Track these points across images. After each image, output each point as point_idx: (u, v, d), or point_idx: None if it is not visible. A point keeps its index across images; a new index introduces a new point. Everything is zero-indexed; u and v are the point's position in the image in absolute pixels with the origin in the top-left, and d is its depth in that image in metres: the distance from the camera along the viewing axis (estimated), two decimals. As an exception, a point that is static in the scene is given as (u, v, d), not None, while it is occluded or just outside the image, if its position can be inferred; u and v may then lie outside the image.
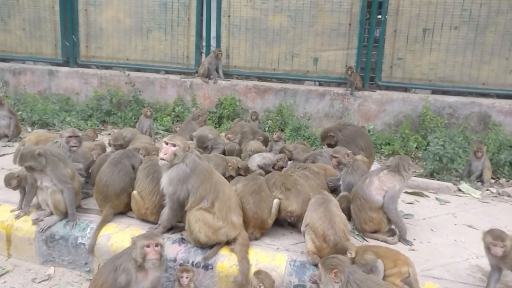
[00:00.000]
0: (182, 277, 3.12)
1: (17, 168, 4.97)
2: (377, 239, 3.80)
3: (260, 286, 3.02)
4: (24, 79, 8.65)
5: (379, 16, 7.40)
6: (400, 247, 3.69)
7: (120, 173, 3.87)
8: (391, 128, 7.06)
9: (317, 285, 2.82)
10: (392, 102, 7.14)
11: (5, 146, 5.99)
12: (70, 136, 4.23)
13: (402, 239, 3.79)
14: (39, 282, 3.54)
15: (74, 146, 4.24)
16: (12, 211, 3.91)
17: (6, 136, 6.24)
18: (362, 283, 2.61)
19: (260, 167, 4.76)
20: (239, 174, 4.50)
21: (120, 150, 4.15)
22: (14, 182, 3.88)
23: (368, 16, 7.44)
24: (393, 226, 3.88)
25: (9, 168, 5.02)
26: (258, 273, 3.14)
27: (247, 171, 4.56)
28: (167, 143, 3.39)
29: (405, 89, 7.72)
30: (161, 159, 3.36)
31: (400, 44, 7.30)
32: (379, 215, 3.80)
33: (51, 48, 8.82)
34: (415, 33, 7.21)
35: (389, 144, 6.66)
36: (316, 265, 3.28)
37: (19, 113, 7.21)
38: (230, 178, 4.42)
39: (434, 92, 7.40)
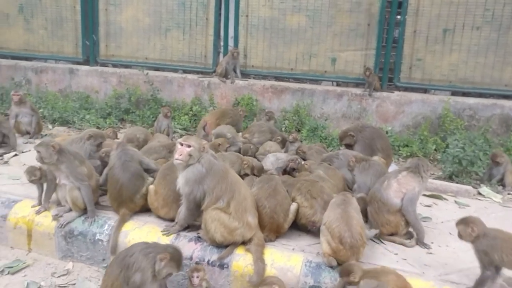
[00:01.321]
0: (193, 277, 3.13)
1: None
2: (394, 241, 3.76)
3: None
4: (45, 78, 8.82)
5: (398, 17, 7.31)
6: (417, 250, 3.65)
7: (132, 176, 3.90)
8: (410, 130, 6.97)
9: None
10: (410, 103, 7.04)
11: (27, 142, 6.12)
12: (91, 138, 4.41)
13: (420, 242, 3.74)
14: (58, 277, 3.61)
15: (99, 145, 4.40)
16: (32, 206, 3.99)
17: (28, 133, 6.38)
18: None
19: (274, 169, 4.70)
20: (254, 174, 4.51)
21: (125, 152, 4.08)
22: (38, 173, 3.94)
23: (387, 16, 7.35)
24: (410, 229, 3.83)
25: (31, 164, 5.13)
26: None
27: (261, 171, 4.56)
28: (182, 144, 3.42)
29: (424, 91, 7.60)
30: (176, 159, 3.39)
31: (420, 44, 7.20)
32: (397, 218, 3.76)
33: (72, 47, 8.97)
34: (435, 34, 7.09)
35: (407, 146, 6.57)
36: (331, 267, 3.27)
37: (40, 110, 7.36)
38: (245, 175, 4.43)
39: (454, 93, 7.27)
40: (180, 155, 3.37)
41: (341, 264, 3.24)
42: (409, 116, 7.04)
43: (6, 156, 5.43)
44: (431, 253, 3.61)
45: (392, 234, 3.82)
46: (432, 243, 3.78)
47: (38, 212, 3.92)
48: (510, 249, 2.97)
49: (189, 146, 3.39)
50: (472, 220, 3.13)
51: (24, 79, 8.85)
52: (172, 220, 3.81)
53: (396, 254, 3.57)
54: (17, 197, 4.16)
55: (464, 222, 3.14)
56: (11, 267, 3.65)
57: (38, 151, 3.64)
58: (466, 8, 6.84)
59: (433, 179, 5.54)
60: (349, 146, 5.28)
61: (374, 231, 3.73)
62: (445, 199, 4.96)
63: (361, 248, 3.30)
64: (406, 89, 7.53)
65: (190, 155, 3.39)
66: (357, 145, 5.17)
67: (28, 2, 9.02)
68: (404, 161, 6.28)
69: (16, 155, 5.55)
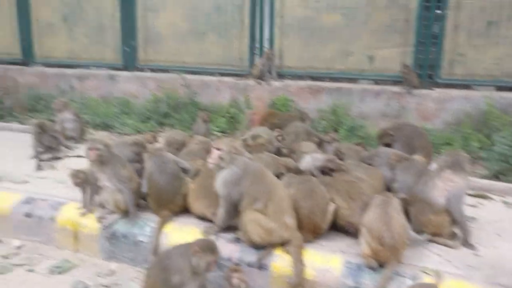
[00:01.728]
0: (232, 277, 3.15)
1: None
2: (436, 242, 3.64)
3: None
4: (88, 84, 9.18)
5: (438, 11, 7.06)
6: (462, 251, 3.51)
7: (170, 178, 4.00)
8: (451, 127, 6.71)
9: None
10: (452, 100, 6.79)
11: (71, 147, 6.39)
12: (134, 145, 4.58)
13: (466, 243, 3.60)
14: (103, 277, 3.73)
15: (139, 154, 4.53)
16: (77, 209, 4.16)
17: (73, 138, 6.65)
18: None
19: (310, 171, 4.64)
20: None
21: (159, 156, 4.21)
22: (82, 175, 4.10)
23: (426, 11, 7.12)
24: (455, 229, 3.70)
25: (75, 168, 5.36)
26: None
27: (297, 172, 4.53)
28: (214, 148, 3.51)
29: (466, 87, 7.31)
30: (209, 162, 3.55)
31: (462, 39, 6.92)
32: (440, 218, 3.64)
33: (112, 53, 9.29)
34: (478, 27, 6.80)
35: (448, 144, 6.33)
36: (372, 268, 3.21)
37: (83, 116, 7.67)
38: (281, 175, 4.41)
39: (499, 88, 6.93)
40: (212, 158, 3.45)
41: (382, 265, 3.17)
42: (451, 113, 6.79)
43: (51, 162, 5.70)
44: (477, 255, 3.46)
45: (435, 235, 3.69)
46: (478, 244, 3.63)
47: (83, 215, 4.09)
48: None
49: (220, 149, 3.46)
50: None
51: (69, 86, 9.24)
52: (209, 220, 3.87)
53: (439, 255, 3.45)
54: (63, 200, 4.35)
55: None
56: (60, 267, 3.82)
57: (97, 149, 3.77)
58: (512, -1, 6.53)
59: (478, 178, 5.33)
60: (388, 145, 5.16)
61: (424, 236, 3.60)
62: (491, 198, 4.75)
63: (402, 249, 3.22)
64: (447, 86, 7.24)
65: (221, 158, 3.45)
66: (396, 144, 5.05)
67: (72, 12, 9.42)
68: (446, 160, 6.06)
69: (60, 158, 5.81)
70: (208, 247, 3.03)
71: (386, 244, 3.15)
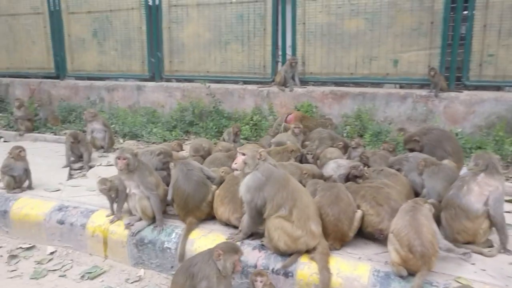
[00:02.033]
0: (256, 281, 3.15)
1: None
2: (471, 250, 3.51)
3: None
4: (116, 95, 9.44)
5: (465, 12, 6.91)
6: (498, 260, 3.38)
7: (196, 185, 4.06)
8: (482, 131, 6.51)
9: None
10: (482, 102, 6.59)
11: (101, 156, 6.58)
12: (161, 154, 4.68)
13: (505, 249, 3.46)
14: (132, 283, 3.81)
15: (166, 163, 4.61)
16: (107, 216, 4.27)
17: (102, 147, 6.85)
18: None
19: (334, 177, 4.59)
20: None
21: (185, 164, 4.27)
22: (108, 183, 4.20)
23: (452, 12, 6.98)
24: (490, 237, 3.56)
25: (105, 176, 5.50)
26: None
27: (321, 179, 4.49)
28: (238, 153, 3.53)
29: (498, 88, 7.08)
30: (233, 167, 3.53)
31: (491, 39, 6.73)
32: (476, 224, 3.52)
33: (139, 65, 9.53)
34: (509, 26, 6.59)
35: (480, 148, 6.13)
36: (401, 277, 3.13)
37: (112, 126, 7.88)
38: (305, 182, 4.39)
39: (532, 89, 6.70)
40: (236, 163, 3.49)
41: (412, 274, 3.09)
42: (481, 116, 6.59)
43: (83, 171, 5.88)
44: (514, 264, 3.33)
45: (468, 243, 3.58)
46: (516, 252, 3.48)
47: (111, 222, 4.18)
48: None
49: (244, 154, 3.46)
50: None
51: (98, 98, 9.55)
52: (234, 226, 3.90)
53: (474, 264, 3.33)
54: (94, 207, 4.47)
55: None
56: (90, 272, 3.92)
57: (125, 158, 3.88)
58: (543, -4, 6.31)
59: (512, 183, 5.14)
60: (414, 151, 5.04)
61: (463, 250, 3.40)
62: (527, 204, 4.56)
63: (433, 257, 3.11)
64: (476, 88, 7.06)
65: (245, 163, 3.45)
66: (424, 149, 4.92)
67: (101, 27, 9.75)
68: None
69: (92, 167, 5.98)
70: (230, 248, 3.07)
71: (416, 252, 3.06)
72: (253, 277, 3.18)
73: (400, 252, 3.12)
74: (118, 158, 3.91)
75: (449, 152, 4.83)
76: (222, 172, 4.45)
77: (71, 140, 5.94)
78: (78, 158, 6.14)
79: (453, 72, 7.11)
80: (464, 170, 4.84)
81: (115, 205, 4.28)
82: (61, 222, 4.36)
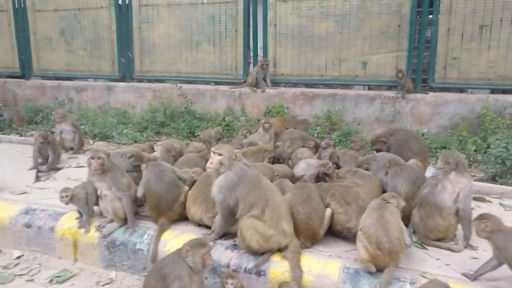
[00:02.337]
0: (227, 283, 3.16)
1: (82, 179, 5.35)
2: (439, 247, 3.65)
3: None
4: (86, 95, 9.25)
5: (431, 16, 7.16)
6: (461, 255, 3.52)
7: (168, 186, 4.04)
8: (447, 131, 6.77)
9: None
10: (447, 104, 6.85)
11: (70, 158, 6.42)
12: (132, 157, 4.63)
13: (469, 245, 3.63)
14: (102, 286, 3.74)
15: (137, 166, 4.57)
16: (77, 218, 4.18)
17: (72, 148, 6.68)
18: None
19: (304, 178, 4.64)
20: None
21: (157, 165, 4.25)
22: (70, 192, 4.06)
23: (418, 16, 7.22)
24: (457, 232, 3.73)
25: (75, 178, 5.39)
26: (284, 284, 3.16)
27: (292, 179, 4.56)
28: (214, 153, 3.50)
29: (461, 90, 7.38)
30: (208, 167, 3.50)
31: (455, 43, 7.01)
32: (447, 222, 3.66)
33: (109, 65, 9.37)
34: (470, 31, 6.89)
35: (445, 147, 6.38)
36: (370, 273, 3.22)
37: (82, 127, 7.71)
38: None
39: (493, 91, 7.01)
40: (211, 163, 3.47)
41: (380, 269, 3.18)
42: (446, 117, 6.85)
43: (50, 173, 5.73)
44: (476, 258, 3.46)
45: (439, 240, 3.72)
46: (478, 247, 3.63)
47: (80, 227, 4.09)
48: None
49: (220, 155, 3.46)
50: (487, 216, 3.17)
51: (67, 98, 9.33)
52: (207, 226, 3.91)
53: (438, 259, 3.46)
54: (63, 210, 4.36)
55: (478, 218, 3.19)
56: (59, 276, 3.83)
57: (99, 158, 3.82)
58: (503, 2, 6.62)
59: (475, 180, 5.35)
60: (381, 151, 5.20)
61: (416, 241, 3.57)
62: (489, 201, 4.77)
63: (400, 253, 3.22)
64: (441, 90, 7.33)
65: (221, 163, 3.45)
66: (391, 150, 5.08)
67: (69, 25, 9.52)
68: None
69: (60, 169, 5.84)
70: (197, 243, 3.07)
71: (384, 249, 3.16)
72: (224, 280, 3.19)
73: (369, 249, 3.21)
74: (92, 158, 3.84)
75: (415, 152, 4.98)
76: (193, 173, 4.44)
77: (40, 141, 5.75)
78: (46, 160, 5.95)
79: (420, 74, 7.36)
80: (430, 169, 5.03)
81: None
82: (28, 226, 4.23)
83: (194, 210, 3.95)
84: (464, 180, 3.67)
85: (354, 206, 3.67)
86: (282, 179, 4.30)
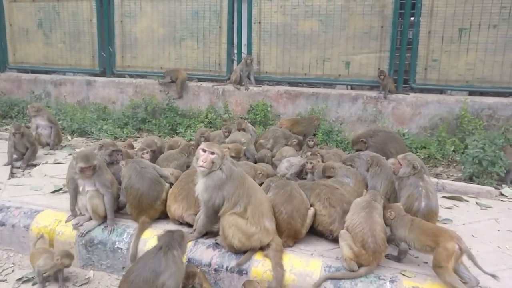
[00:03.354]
0: (188, 286, 3.07)
1: (60, 175, 5.22)
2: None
3: None
4: (64, 90, 9.03)
5: (412, 18, 7.26)
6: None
7: (150, 183, 3.96)
8: (427, 132, 6.88)
9: None
10: (427, 104, 6.95)
11: (47, 154, 6.26)
12: (115, 150, 4.49)
13: None
14: (80, 286, 3.65)
15: (117, 159, 4.47)
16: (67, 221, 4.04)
17: (48, 144, 6.51)
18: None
19: (287, 176, 4.64)
20: None
21: (138, 162, 4.18)
22: None
23: (400, 18, 7.31)
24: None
25: (51, 175, 5.25)
26: (246, 283, 3.14)
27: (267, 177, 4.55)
28: (205, 151, 3.42)
29: (441, 91, 7.51)
30: (200, 166, 3.38)
31: (435, 45, 7.12)
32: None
33: (89, 59, 9.17)
34: (450, 34, 7.01)
35: (424, 147, 6.48)
36: (352, 271, 3.23)
37: (60, 122, 7.52)
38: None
39: (471, 93, 7.15)
40: (204, 162, 3.37)
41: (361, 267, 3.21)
42: (426, 117, 6.95)
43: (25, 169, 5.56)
44: (453, 256, 3.53)
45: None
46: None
47: (67, 220, 4.00)
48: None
49: (213, 153, 3.40)
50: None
51: (44, 92, 9.08)
52: (187, 224, 3.87)
53: (417, 257, 3.51)
54: (39, 207, 4.24)
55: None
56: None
57: (93, 166, 3.74)
58: (482, 7, 6.75)
59: (453, 180, 5.47)
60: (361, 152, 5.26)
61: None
62: (466, 200, 4.87)
63: (383, 253, 3.27)
64: (422, 91, 7.44)
65: (213, 162, 3.39)
66: (369, 151, 5.15)
67: (47, 17, 9.27)
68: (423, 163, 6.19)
69: (36, 165, 5.67)
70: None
71: (369, 248, 3.18)
72: (185, 281, 3.06)
73: (353, 248, 3.22)
74: (87, 168, 3.72)
75: (393, 153, 5.02)
76: (171, 174, 4.36)
77: (13, 132, 5.50)
78: (22, 156, 5.77)
79: (401, 75, 7.46)
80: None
81: None
82: (1, 224, 4.10)
83: (175, 208, 3.89)
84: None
85: (339, 209, 3.66)
86: (271, 178, 4.27)
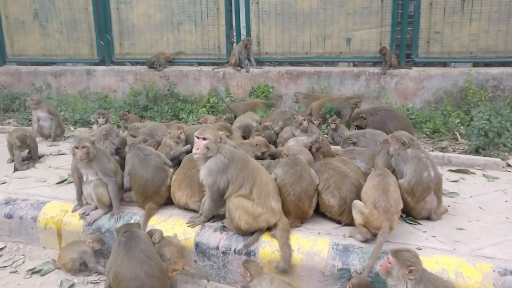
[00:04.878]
0: None
1: (64, 166, 5.22)
2: None
3: (246, 274, 3.05)
4: (64, 81, 8.99)
5: (413, -10, 7.11)
6: (447, 227, 3.56)
7: (155, 170, 3.96)
8: (431, 106, 6.80)
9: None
10: (430, 78, 6.85)
11: (50, 145, 6.25)
12: (106, 134, 4.43)
13: None
14: (90, 274, 3.67)
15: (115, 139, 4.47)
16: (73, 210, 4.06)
17: (50, 136, 6.49)
18: (435, 281, 2.59)
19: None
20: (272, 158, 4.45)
21: (141, 149, 4.15)
22: None
23: (401, -9, 7.15)
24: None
25: (56, 166, 5.26)
26: (245, 262, 3.16)
27: (278, 156, 4.50)
28: (198, 137, 3.41)
29: (444, 64, 7.39)
30: (195, 153, 3.40)
31: (437, 17, 6.98)
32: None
33: (87, 48, 9.09)
34: (453, 4, 6.86)
35: (429, 121, 6.41)
36: (365, 241, 3.22)
37: (62, 113, 7.50)
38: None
39: (475, 64, 7.04)
40: (197, 148, 3.38)
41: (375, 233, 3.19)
42: (430, 91, 6.86)
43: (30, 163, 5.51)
44: (461, 228, 3.51)
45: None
46: (462, 218, 3.68)
47: (74, 210, 4.02)
48: None
49: (205, 139, 3.38)
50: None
51: (44, 84, 9.03)
52: (192, 210, 3.86)
53: (425, 232, 3.49)
54: (45, 199, 4.25)
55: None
56: (45, 266, 3.74)
57: (84, 146, 3.70)
58: (484, -25, 6.59)
59: (459, 153, 5.42)
60: (360, 128, 5.22)
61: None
62: (472, 173, 4.83)
63: (395, 215, 3.23)
64: (425, 64, 7.33)
65: (207, 148, 3.38)
66: (368, 128, 5.12)
67: (42, 7, 9.16)
68: (427, 137, 6.15)
69: (41, 157, 5.65)
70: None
71: (380, 207, 3.18)
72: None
73: (364, 211, 3.23)
74: (77, 147, 3.70)
75: (393, 132, 4.97)
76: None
77: (18, 144, 5.23)
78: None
79: (403, 49, 7.34)
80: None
81: None
82: (9, 216, 4.12)
83: (180, 195, 3.89)
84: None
85: (349, 201, 3.54)
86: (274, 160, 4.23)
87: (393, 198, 3.24)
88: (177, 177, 3.96)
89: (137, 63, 8.90)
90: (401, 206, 3.37)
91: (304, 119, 4.85)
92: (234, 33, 8.33)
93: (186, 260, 3.40)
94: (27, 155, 5.47)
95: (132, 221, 3.81)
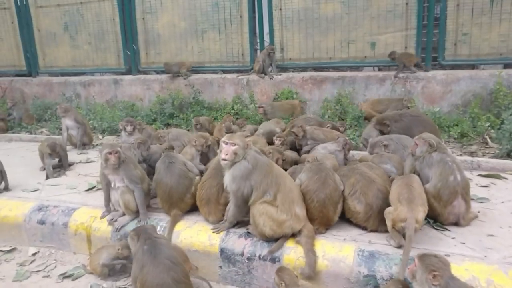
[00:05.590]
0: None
1: (93, 174, 5.36)
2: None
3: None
4: (93, 90, 9.25)
5: (439, -8, 6.98)
6: (477, 233, 3.45)
7: (178, 178, 4.01)
8: (459, 109, 6.63)
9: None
10: (458, 81, 6.69)
11: (80, 153, 6.43)
12: (140, 143, 4.64)
13: None
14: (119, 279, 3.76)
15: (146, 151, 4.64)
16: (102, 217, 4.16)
17: (81, 144, 6.67)
18: None
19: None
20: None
21: (167, 156, 4.25)
22: None
23: (426, -7, 7.04)
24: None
25: (85, 173, 5.41)
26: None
27: (296, 163, 4.49)
28: (226, 143, 3.43)
29: (473, 67, 7.20)
30: (223, 159, 3.41)
31: (465, 18, 6.82)
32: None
33: (114, 58, 9.34)
34: (481, 5, 6.70)
35: (457, 125, 6.24)
36: (399, 247, 3.17)
37: (90, 122, 7.71)
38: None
39: (506, 66, 6.83)
40: (226, 154, 3.39)
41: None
42: (458, 94, 6.70)
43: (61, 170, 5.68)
44: (492, 235, 3.40)
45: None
46: (493, 224, 3.57)
47: (102, 216, 4.11)
48: None
49: (234, 145, 3.41)
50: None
51: (74, 94, 9.33)
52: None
53: (454, 238, 3.40)
54: (75, 205, 4.38)
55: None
56: (76, 271, 3.85)
57: (117, 152, 3.82)
58: (513, -27, 6.41)
59: (490, 157, 5.25)
60: (383, 134, 5.16)
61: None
62: (504, 178, 4.67)
63: (421, 208, 3.20)
64: (452, 67, 7.17)
65: (235, 154, 3.40)
66: (392, 133, 5.04)
67: (72, 20, 9.49)
68: (455, 141, 5.99)
69: (71, 165, 5.82)
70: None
71: (403, 200, 3.20)
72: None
73: (391, 212, 3.24)
74: (110, 153, 3.81)
75: None
76: None
77: (48, 152, 5.41)
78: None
79: (429, 52, 7.21)
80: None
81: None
82: (41, 222, 4.26)
83: (198, 203, 3.94)
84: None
85: (375, 208, 3.51)
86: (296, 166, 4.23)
87: (416, 191, 3.26)
88: (200, 192, 3.92)
89: (162, 72, 9.06)
90: (426, 202, 3.32)
91: (346, 143, 4.77)
92: (258, 40, 8.39)
93: (191, 264, 3.45)
94: (57, 163, 5.64)
95: (159, 228, 3.87)
